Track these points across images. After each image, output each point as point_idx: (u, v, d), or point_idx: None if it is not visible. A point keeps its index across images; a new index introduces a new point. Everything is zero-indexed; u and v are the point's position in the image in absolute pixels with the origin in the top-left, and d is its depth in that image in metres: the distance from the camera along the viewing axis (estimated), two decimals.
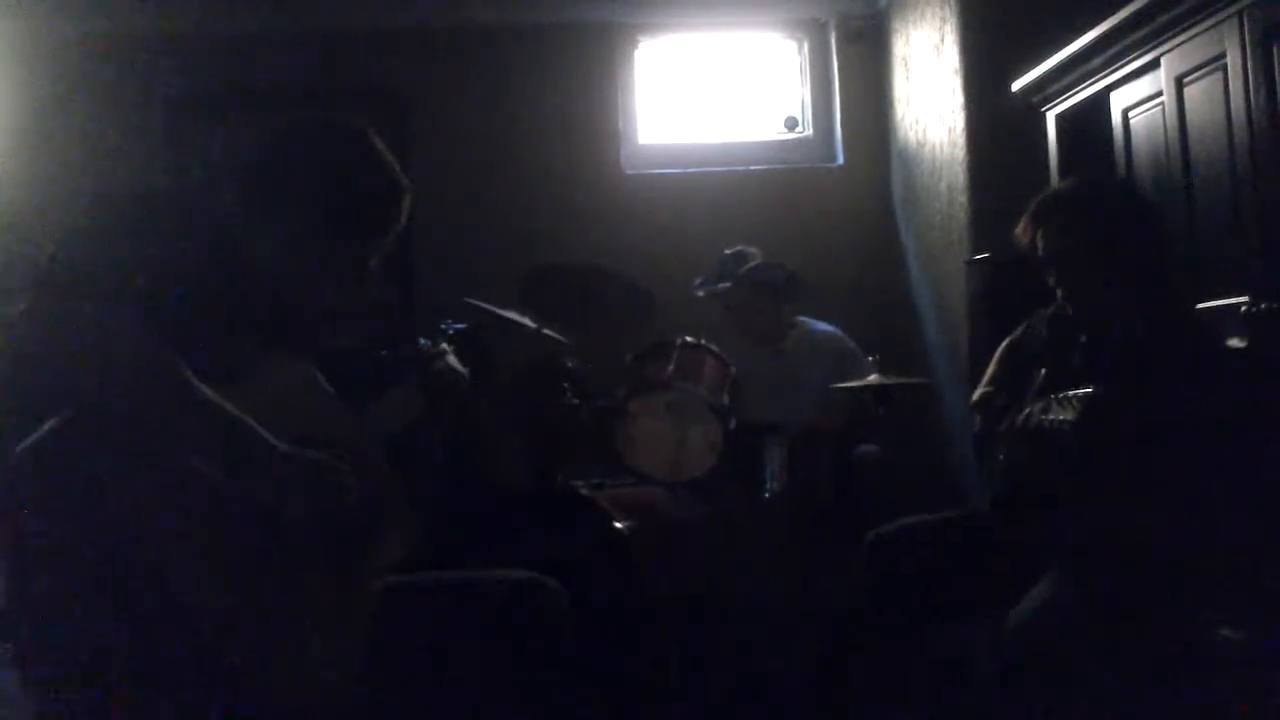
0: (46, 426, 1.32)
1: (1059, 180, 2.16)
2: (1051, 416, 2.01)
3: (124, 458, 1.31)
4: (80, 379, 1.32)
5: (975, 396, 2.32)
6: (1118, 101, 2.67)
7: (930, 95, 3.69)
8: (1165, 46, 2.36)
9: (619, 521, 2.70)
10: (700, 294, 3.46)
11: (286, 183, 1.63)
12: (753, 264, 3.40)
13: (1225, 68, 2.16)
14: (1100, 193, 2.18)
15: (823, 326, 3.54)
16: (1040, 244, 2.12)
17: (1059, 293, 2.14)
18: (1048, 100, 2.93)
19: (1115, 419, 1.94)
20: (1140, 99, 2.56)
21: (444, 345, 1.98)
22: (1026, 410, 2.09)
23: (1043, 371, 2.12)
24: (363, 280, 1.72)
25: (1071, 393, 2.00)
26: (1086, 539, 1.94)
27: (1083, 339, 2.11)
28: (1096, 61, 2.62)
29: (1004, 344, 2.32)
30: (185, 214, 1.58)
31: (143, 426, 1.34)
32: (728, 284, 3.39)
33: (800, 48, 4.38)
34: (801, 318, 3.54)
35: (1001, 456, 2.16)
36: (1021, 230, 2.16)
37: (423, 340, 2.08)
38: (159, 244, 1.47)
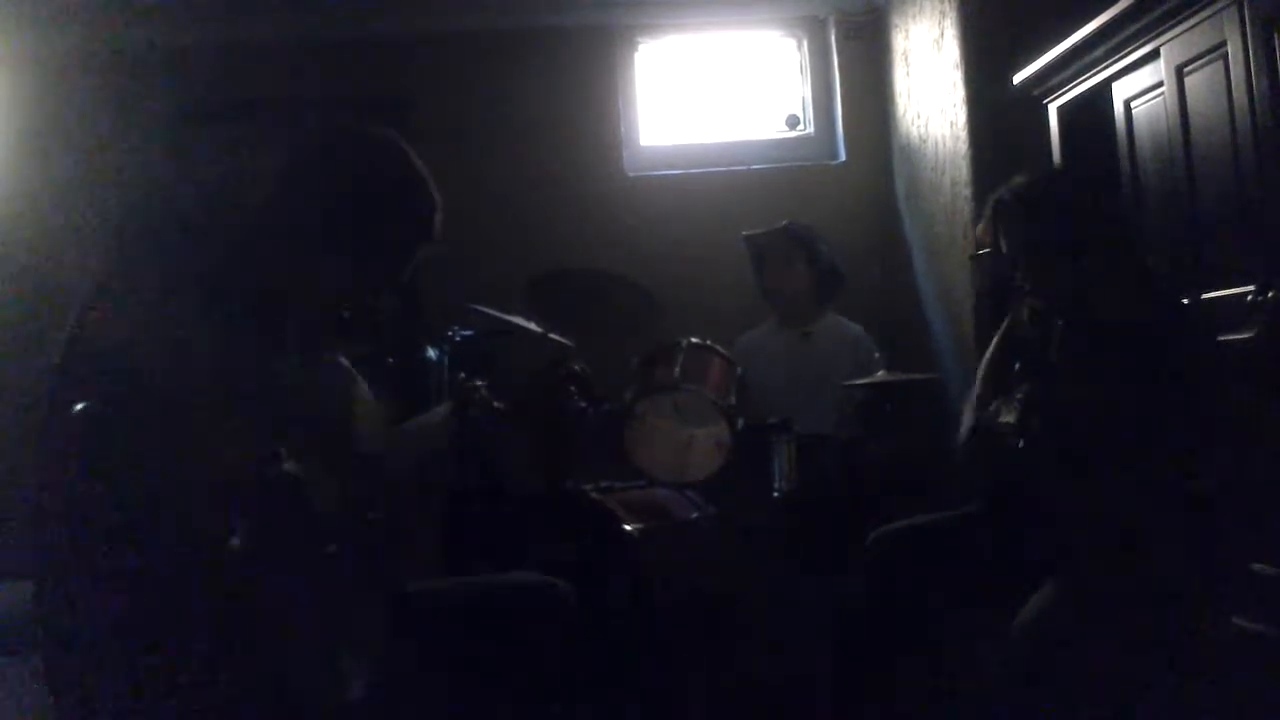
0: (102, 396, 1.33)
1: (1015, 179, 2.19)
2: (1001, 419, 2.04)
3: (172, 445, 1.32)
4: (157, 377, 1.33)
5: (966, 424, 2.32)
6: (1119, 92, 2.66)
7: (931, 90, 3.69)
8: (1165, 36, 2.36)
9: (628, 524, 2.70)
10: (742, 235, 3.62)
11: (320, 190, 1.62)
12: (790, 221, 3.58)
13: (1226, 56, 2.16)
14: (1052, 187, 2.21)
15: (852, 326, 3.58)
16: (1002, 242, 2.15)
17: (1026, 289, 2.16)
18: (1049, 92, 2.92)
19: (1056, 416, 1.95)
20: (1142, 89, 2.56)
21: (479, 382, 1.98)
22: (989, 409, 2.11)
23: (1016, 366, 2.14)
24: (393, 292, 1.72)
25: (1016, 395, 2.02)
26: (1071, 539, 1.94)
27: (1060, 324, 2.12)
28: (1097, 52, 2.62)
29: (986, 355, 2.34)
30: (224, 222, 1.60)
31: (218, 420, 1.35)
32: (766, 230, 3.56)
33: (800, 45, 4.38)
34: (834, 314, 3.61)
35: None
36: (983, 230, 2.19)
37: (431, 351, 2.09)
38: (209, 251, 1.49)
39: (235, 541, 1.32)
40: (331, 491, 1.47)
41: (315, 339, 1.58)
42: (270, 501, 1.36)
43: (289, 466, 1.37)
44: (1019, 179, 2.18)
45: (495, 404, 1.95)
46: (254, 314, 1.45)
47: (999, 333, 2.33)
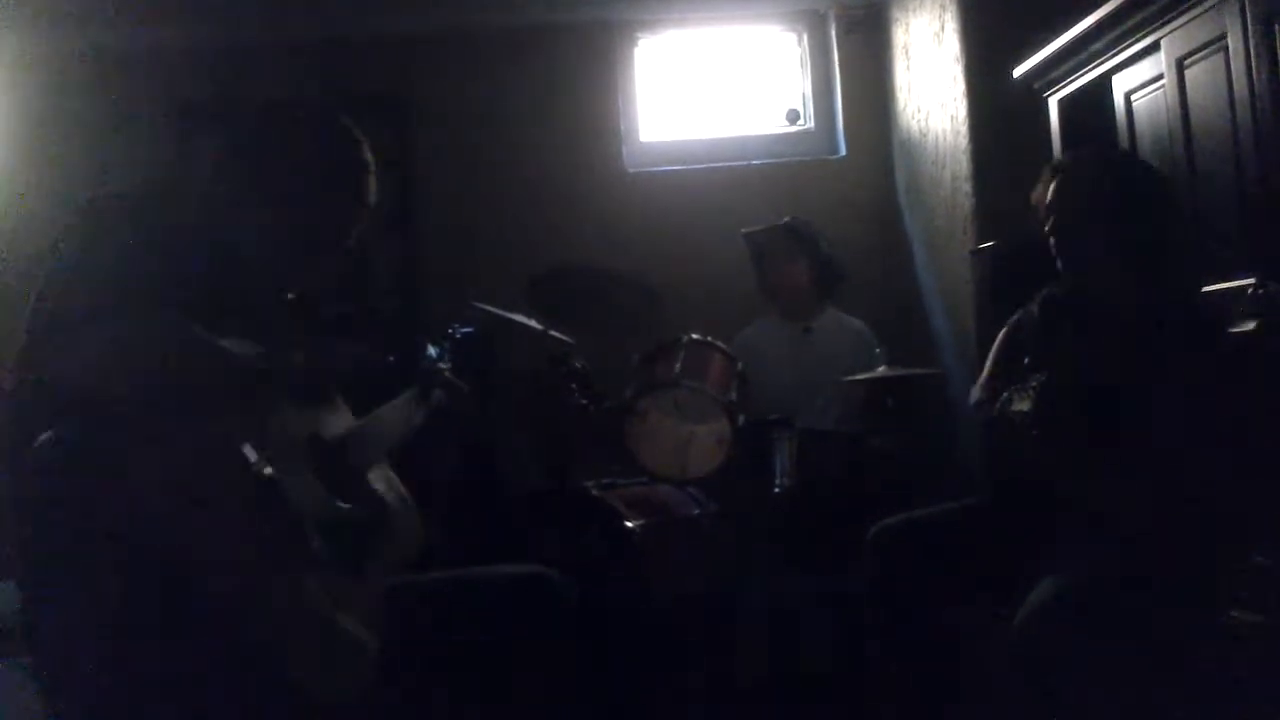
0: (65, 423, 1.33)
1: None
2: (1015, 408, 2.03)
3: (148, 454, 1.32)
4: (116, 382, 1.33)
5: (975, 395, 2.31)
6: (1119, 85, 2.65)
7: (931, 84, 3.68)
8: (1166, 29, 2.35)
9: (629, 521, 2.70)
10: (741, 232, 3.62)
11: (258, 164, 1.66)
12: (790, 216, 3.58)
13: (1226, 49, 2.15)
14: (1117, 162, 2.23)
15: (854, 320, 3.58)
16: (1051, 200, 2.14)
17: (1057, 257, 2.15)
18: (1049, 85, 2.92)
19: (1069, 405, 1.95)
20: (1142, 82, 2.55)
21: (440, 364, 2.00)
22: (1001, 399, 2.11)
23: (1026, 359, 2.13)
24: (339, 257, 1.73)
25: (1031, 383, 2.02)
26: (1078, 527, 1.94)
27: (1071, 321, 2.11)
28: (1097, 45, 2.61)
29: (1002, 333, 2.33)
30: (180, 210, 1.60)
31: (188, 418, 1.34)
32: (766, 226, 3.56)
33: (800, 40, 4.37)
34: (835, 309, 3.62)
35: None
36: (1039, 193, 2.18)
37: (432, 349, 2.10)
38: (165, 242, 1.49)
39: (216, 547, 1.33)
40: (308, 489, 1.47)
41: (265, 329, 1.57)
42: (250, 506, 1.36)
43: (265, 470, 1.37)
44: (1086, 146, 2.18)
45: (459, 385, 1.97)
46: (202, 309, 1.44)
47: (1010, 322, 2.32)
